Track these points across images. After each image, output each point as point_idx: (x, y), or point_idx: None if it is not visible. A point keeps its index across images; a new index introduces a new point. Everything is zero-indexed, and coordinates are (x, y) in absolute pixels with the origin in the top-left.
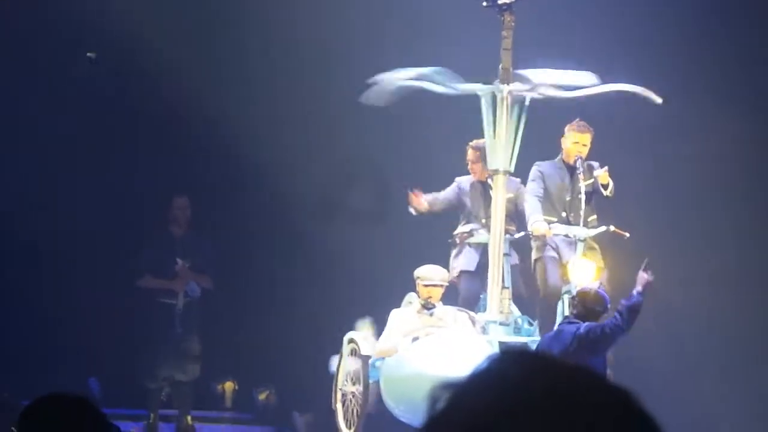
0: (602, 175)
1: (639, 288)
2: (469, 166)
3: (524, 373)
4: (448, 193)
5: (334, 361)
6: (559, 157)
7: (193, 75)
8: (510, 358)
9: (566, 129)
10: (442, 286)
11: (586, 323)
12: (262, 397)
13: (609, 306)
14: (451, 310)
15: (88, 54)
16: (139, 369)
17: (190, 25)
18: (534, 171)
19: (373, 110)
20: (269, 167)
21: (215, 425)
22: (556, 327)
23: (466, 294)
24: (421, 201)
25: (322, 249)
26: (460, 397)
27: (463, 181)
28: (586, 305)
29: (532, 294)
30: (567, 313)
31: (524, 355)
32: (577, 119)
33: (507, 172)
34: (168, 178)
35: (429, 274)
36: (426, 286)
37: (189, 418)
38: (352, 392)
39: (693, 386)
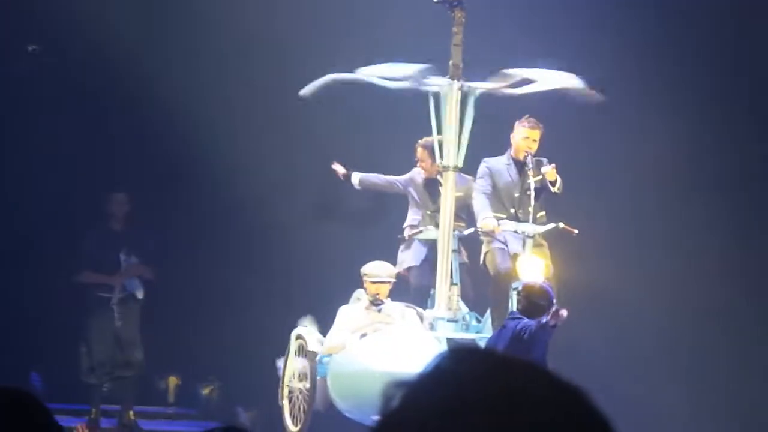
0: (549, 171)
1: (549, 320)
2: (418, 164)
3: (476, 370)
4: (397, 178)
5: (281, 359)
6: (507, 153)
7: (136, 66)
8: (461, 356)
9: (516, 125)
10: (389, 282)
11: (523, 321)
12: (205, 392)
13: (554, 300)
14: (398, 306)
15: (30, 47)
16: (81, 364)
17: (134, 12)
18: (482, 168)
19: (329, 104)
20: (220, 162)
21: (158, 421)
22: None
23: (416, 288)
24: (340, 168)
25: (269, 245)
26: (414, 395)
27: (417, 175)
28: (531, 299)
29: (479, 292)
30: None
31: (476, 353)
32: (527, 116)
33: (456, 168)
34: (109, 171)
35: (375, 271)
36: (373, 283)
37: (131, 413)
38: (299, 389)
39: (640, 383)
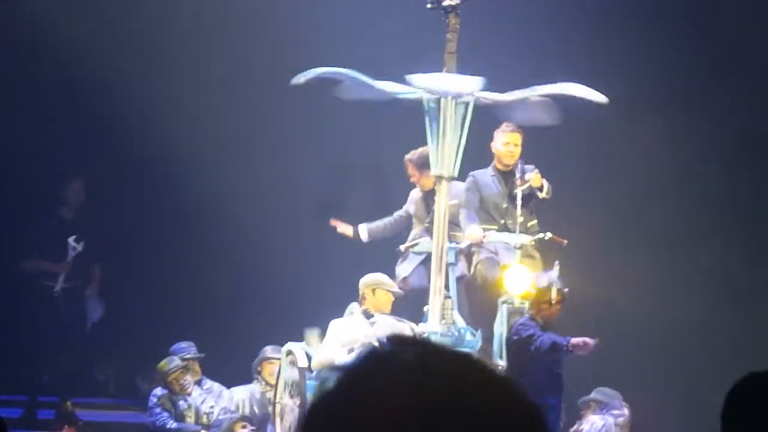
0: (534, 177)
1: (577, 342)
2: (411, 180)
3: (416, 358)
4: (399, 211)
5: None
6: (492, 164)
7: (103, 52)
8: (398, 344)
9: (495, 133)
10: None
11: (531, 327)
12: (147, 385)
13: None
14: (390, 320)
15: None
16: (19, 354)
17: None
18: (468, 181)
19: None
20: (180, 154)
21: (96, 411)
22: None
23: (413, 298)
24: (342, 226)
25: (244, 243)
26: (348, 380)
27: (414, 192)
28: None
29: (473, 306)
30: (503, 325)
31: (413, 342)
32: (505, 122)
33: (451, 178)
34: (57, 158)
35: (390, 281)
36: (390, 291)
37: (69, 404)
38: (290, 405)
39: (628, 390)
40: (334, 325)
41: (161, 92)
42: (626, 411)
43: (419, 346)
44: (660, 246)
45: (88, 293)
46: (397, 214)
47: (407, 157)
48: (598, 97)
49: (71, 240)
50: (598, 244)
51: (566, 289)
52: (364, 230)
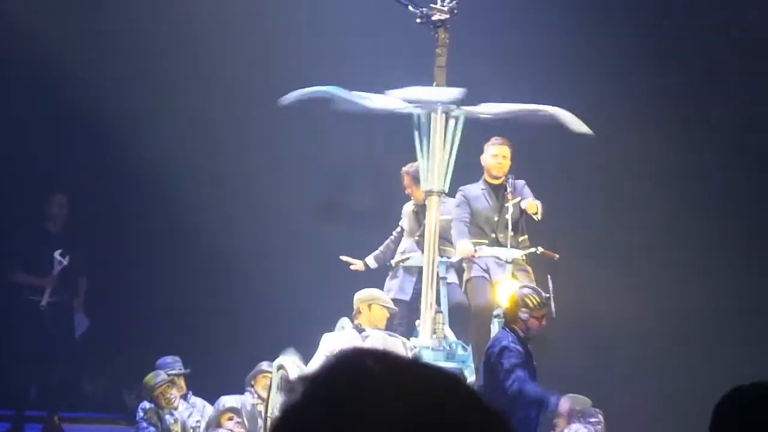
0: (530, 205)
1: (562, 406)
2: (406, 192)
3: (383, 370)
4: (393, 236)
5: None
6: (482, 179)
7: (85, 67)
8: (369, 356)
9: (485, 146)
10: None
11: (512, 358)
12: (134, 399)
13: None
14: (382, 335)
15: None
16: (6, 368)
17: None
18: (458, 196)
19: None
20: (169, 165)
21: (84, 425)
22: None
23: (400, 320)
24: (353, 262)
25: (219, 254)
26: (313, 390)
27: (407, 205)
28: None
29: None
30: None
31: (385, 355)
32: (495, 136)
33: (441, 193)
34: (43, 172)
35: (385, 296)
36: (384, 307)
37: (56, 418)
38: None
39: (625, 402)
40: (326, 339)
41: (149, 101)
42: (600, 417)
43: (383, 357)
44: (654, 258)
45: (75, 306)
46: (395, 232)
47: (404, 169)
48: (582, 128)
49: (57, 254)
50: (590, 258)
51: (547, 295)
52: (372, 261)
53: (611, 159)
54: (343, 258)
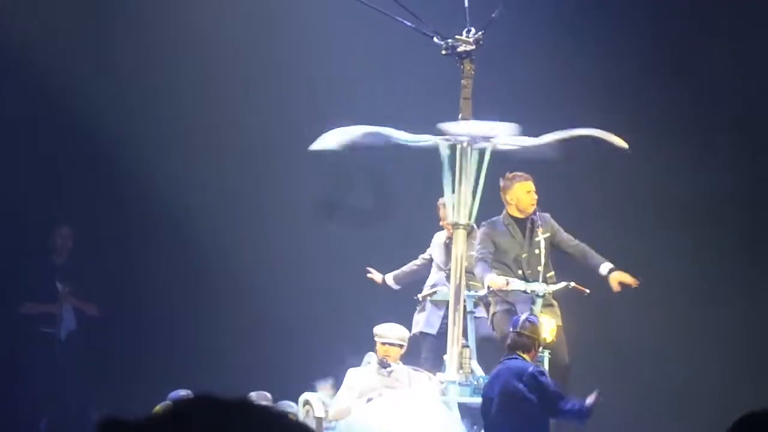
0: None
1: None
2: (441, 223)
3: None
4: (418, 260)
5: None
6: (505, 213)
7: (85, 97)
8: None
9: (509, 183)
10: (399, 345)
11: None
12: None
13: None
14: (407, 370)
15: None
16: (18, 400)
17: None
18: (481, 233)
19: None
20: (172, 192)
21: None
22: None
23: (427, 354)
24: (374, 272)
25: (231, 283)
26: None
27: (439, 236)
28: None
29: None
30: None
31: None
32: (512, 172)
33: (467, 226)
34: (48, 202)
35: (385, 332)
36: (383, 344)
37: None
38: None
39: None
40: (351, 374)
41: (154, 123)
42: None
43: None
44: (682, 287)
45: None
46: (421, 257)
47: (440, 200)
48: (619, 142)
49: (59, 283)
50: (619, 293)
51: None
52: (390, 279)
53: (634, 181)
54: (369, 269)
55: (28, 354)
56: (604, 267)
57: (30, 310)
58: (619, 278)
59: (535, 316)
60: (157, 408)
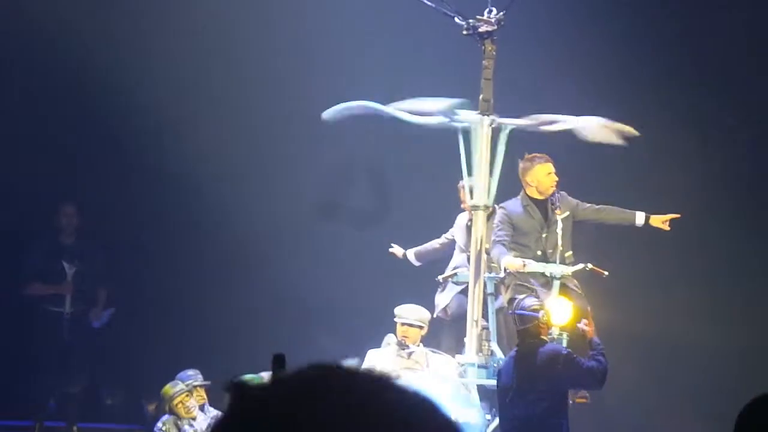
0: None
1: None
2: (462, 206)
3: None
4: (445, 234)
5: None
6: (523, 194)
7: (93, 71)
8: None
9: (528, 165)
10: (418, 327)
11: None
12: (151, 408)
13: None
14: (426, 352)
15: None
16: (25, 379)
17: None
18: (500, 215)
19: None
20: (182, 176)
21: None
22: None
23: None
24: (396, 251)
25: (244, 262)
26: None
27: (461, 218)
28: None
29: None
30: None
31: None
32: (532, 153)
33: (486, 207)
34: (56, 183)
35: (405, 312)
36: (402, 324)
37: (76, 428)
38: None
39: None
40: (371, 355)
41: (163, 105)
42: None
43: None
44: (701, 275)
45: (92, 316)
46: (444, 236)
47: (461, 183)
48: (629, 130)
49: (65, 262)
50: (637, 275)
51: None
52: (411, 255)
53: (664, 169)
54: (392, 244)
55: (36, 333)
56: (639, 217)
57: (37, 291)
58: (661, 219)
59: (533, 300)
60: (166, 387)
